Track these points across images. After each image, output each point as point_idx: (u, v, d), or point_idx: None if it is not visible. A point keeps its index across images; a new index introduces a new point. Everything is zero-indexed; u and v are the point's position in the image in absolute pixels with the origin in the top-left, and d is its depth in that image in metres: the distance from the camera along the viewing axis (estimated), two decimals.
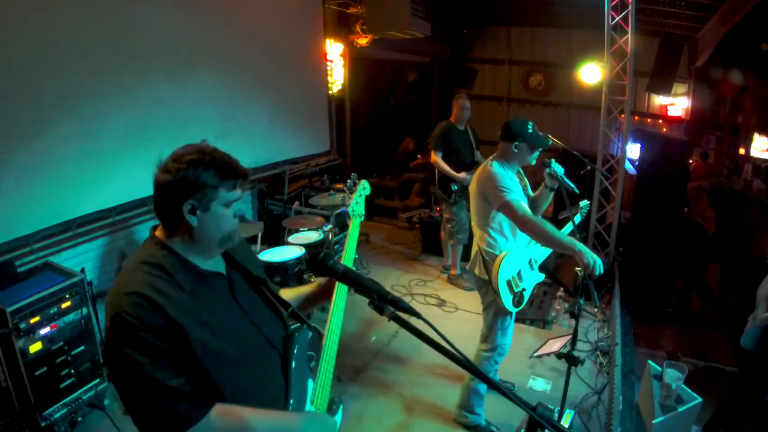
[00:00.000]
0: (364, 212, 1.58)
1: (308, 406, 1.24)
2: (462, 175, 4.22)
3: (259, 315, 1.24)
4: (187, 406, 1.02)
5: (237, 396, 1.11)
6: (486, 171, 2.43)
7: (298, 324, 1.36)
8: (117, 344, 1.02)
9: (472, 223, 2.58)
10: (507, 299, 2.41)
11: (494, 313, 2.53)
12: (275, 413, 1.16)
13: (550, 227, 2.27)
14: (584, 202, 2.89)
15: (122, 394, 1.05)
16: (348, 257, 1.43)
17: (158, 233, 1.16)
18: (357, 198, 1.58)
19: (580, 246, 2.20)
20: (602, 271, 2.18)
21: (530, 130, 2.40)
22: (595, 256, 2.19)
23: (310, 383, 1.27)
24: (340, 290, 1.33)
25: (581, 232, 2.57)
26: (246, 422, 1.08)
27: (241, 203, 1.06)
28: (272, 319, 1.28)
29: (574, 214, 2.56)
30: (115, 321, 1.02)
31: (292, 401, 1.22)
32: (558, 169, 2.46)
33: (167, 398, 1.01)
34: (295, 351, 1.27)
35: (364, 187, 1.62)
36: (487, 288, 2.50)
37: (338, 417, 1.34)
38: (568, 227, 2.67)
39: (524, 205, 2.33)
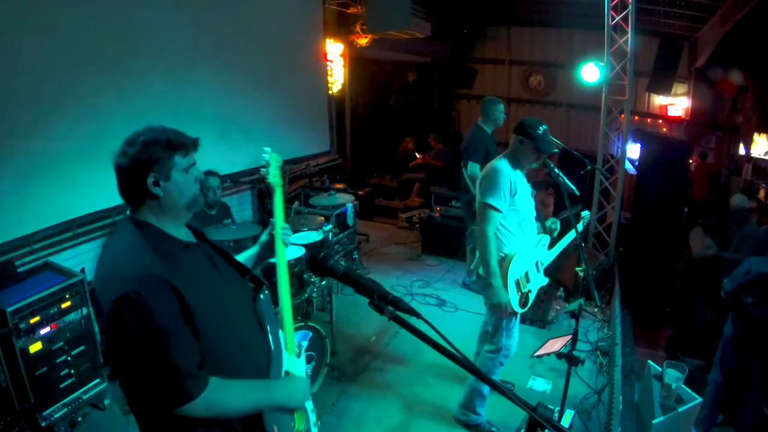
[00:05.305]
0: (281, 182, 1.67)
1: (284, 353, 1.39)
2: None
3: (234, 282, 1.34)
4: (190, 382, 1.08)
5: (230, 360, 1.20)
6: (492, 167, 2.43)
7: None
8: (128, 323, 1.04)
9: None
10: (514, 299, 2.40)
11: None
12: (257, 383, 1.26)
13: (493, 255, 2.34)
14: (585, 213, 2.97)
15: (124, 367, 1.11)
16: (278, 224, 1.53)
17: (130, 214, 1.22)
18: (273, 170, 1.65)
19: (498, 283, 2.34)
20: (516, 310, 2.41)
21: (540, 132, 2.38)
22: (505, 297, 2.34)
23: (281, 333, 1.42)
24: (279, 245, 1.52)
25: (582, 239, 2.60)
26: (234, 393, 1.17)
27: (199, 170, 1.22)
28: (243, 285, 1.38)
29: (577, 222, 2.59)
30: (122, 302, 1.04)
31: (272, 351, 1.34)
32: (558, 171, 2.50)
33: (175, 375, 1.06)
34: (263, 309, 1.38)
35: (277, 160, 1.68)
36: (492, 287, 2.49)
37: (302, 359, 1.47)
38: (570, 234, 2.76)
39: (496, 220, 2.36)
